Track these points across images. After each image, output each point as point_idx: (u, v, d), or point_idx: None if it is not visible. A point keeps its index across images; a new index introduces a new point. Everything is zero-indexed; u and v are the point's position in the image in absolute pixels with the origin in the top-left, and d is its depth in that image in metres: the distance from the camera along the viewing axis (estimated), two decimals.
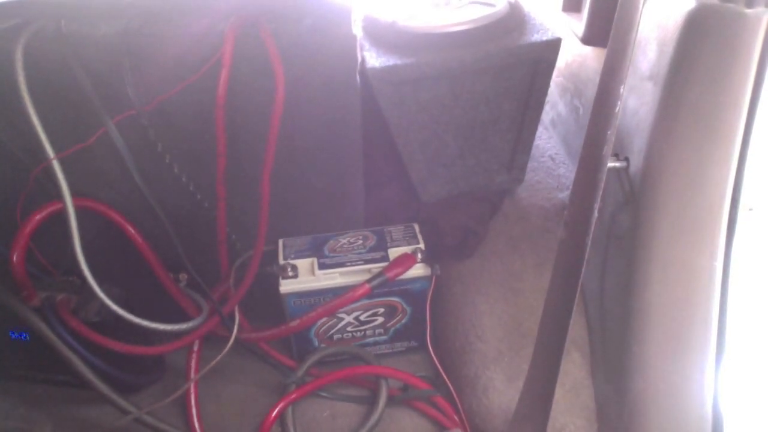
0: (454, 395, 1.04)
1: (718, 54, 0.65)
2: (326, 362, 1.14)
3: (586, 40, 1.11)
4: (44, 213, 0.96)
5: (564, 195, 1.21)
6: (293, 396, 1.07)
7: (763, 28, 0.62)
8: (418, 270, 1.04)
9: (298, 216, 1.10)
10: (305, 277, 1.04)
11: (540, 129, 1.28)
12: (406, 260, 1.03)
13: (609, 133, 0.66)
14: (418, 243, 1.07)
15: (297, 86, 0.89)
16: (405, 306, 1.09)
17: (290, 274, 1.04)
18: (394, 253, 1.05)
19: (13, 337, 1.03)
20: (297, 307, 1.05)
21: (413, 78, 0.95)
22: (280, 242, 1.09)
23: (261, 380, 1.15)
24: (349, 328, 1.12)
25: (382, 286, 1.02)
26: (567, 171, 1.27)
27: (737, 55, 0.63)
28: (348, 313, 1.09)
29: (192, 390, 1.09)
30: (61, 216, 0.94)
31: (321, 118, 0.95)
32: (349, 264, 1.04)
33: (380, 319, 1.11)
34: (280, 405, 1.06)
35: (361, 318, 1.10)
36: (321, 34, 0.86)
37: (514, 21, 1.00)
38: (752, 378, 0.79)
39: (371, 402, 1.07)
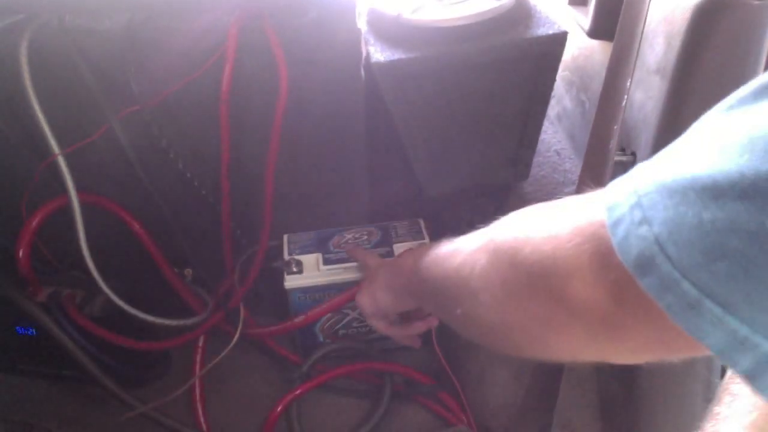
0: (459, 391, 1.04)
1: (726, 47, 0.64)
2: (331, 358, 1.14)
3: (593, 33, 1.10)
4: (49, 208, 0.96)
5: (570, 190, 1.20)
6: (298, 391, 1.07)
7: None
8: None
9: (303, 211, 1.10)
10: (310, 272, 1.04)
11: (546, 123, 1.27)
12: None
13: (615, 127, 0.65)
14: (423, 238, 1.07)
15: (301, 80, 0.88)
16: None
17: (295, 269, 1.04)
18: (399, 248, 1.05)
19: (20, 332, 1.03)
20: (302, 302, 1.05)
21: (418, 72, 0.95)
22: (285, 238, 1.09)
23: (266, 376, 1.15)
24: (354, 324, 1.12)
25: None
26: (573, 166, 1.26)
27: (746, 47, 0.63)
28: (353, 309, 1.08)
29: (197, 385, 1.09)
30: (66, 211, 0.95)
31: (325, 113, 0.95)
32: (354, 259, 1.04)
33: None
34: (285, 400, 1.06)
35: None
36: (325, 27, 0.86)
37: (519, 14, 1.00)
38: None
39: (376, 397, 1.07)
